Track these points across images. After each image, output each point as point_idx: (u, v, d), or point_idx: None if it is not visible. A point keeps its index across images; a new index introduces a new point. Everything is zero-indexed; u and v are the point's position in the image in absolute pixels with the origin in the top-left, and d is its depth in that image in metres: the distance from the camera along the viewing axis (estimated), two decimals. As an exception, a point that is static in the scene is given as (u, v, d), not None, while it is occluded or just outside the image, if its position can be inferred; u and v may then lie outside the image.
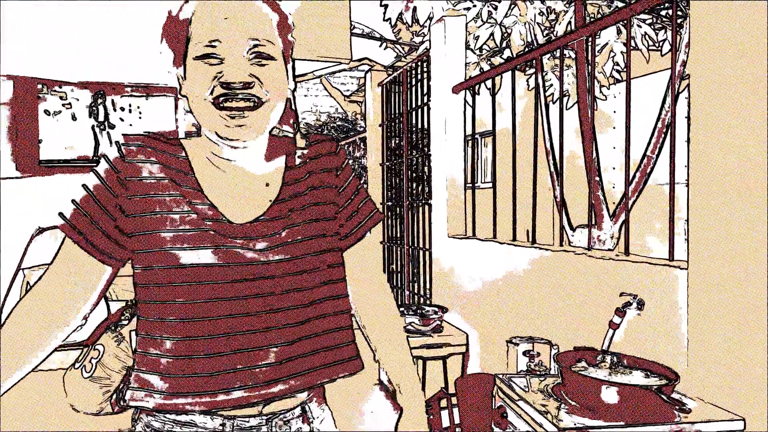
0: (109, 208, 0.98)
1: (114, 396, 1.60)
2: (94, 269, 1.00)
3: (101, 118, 5.24)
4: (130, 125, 5.31)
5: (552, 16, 4.06)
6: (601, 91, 4.99)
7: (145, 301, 1.00)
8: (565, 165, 4.29)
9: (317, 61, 5.86)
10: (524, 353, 2.45)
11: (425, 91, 4.35)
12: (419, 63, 4.45)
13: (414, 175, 4.69)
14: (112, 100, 5.34)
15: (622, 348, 1.89)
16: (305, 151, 1.10)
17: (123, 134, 1.02)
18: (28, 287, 4.70)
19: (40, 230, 4.95)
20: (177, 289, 0.95)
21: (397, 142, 5.03)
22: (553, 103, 5.11)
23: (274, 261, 0.98)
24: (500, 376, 1.77)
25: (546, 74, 5.07)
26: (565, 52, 4.18)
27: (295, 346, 0.99)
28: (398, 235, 5.04)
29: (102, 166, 1.00)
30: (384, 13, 4.49)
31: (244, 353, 0.96)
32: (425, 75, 4.34)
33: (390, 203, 5.22)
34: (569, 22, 3.95)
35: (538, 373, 2.08)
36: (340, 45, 5.66)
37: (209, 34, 0.96)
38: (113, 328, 3.01)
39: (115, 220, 0.99)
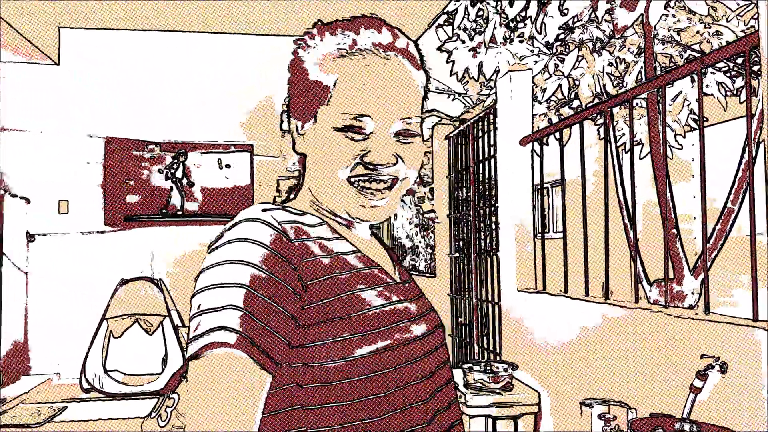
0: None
1: None
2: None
3: (179, 174, 5.55)
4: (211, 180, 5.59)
5: (622, 66, 4.01)
6: (676, 140, 4.84)
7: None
8: (641, 215, 4.15)
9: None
10: (599, 416, 2.34)
11: (492, 143, 4.36)
12: (486, 115, 4.48)
13: (481, 226, 4.65)
14: (187, 157, 5.65)
15: (704, 414, 1.77)
16: None
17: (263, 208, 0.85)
18: (110, 336, 4.95)
19: (124, 282, 5.23)
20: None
21: (464, 193, 5.03)
22: (626, 152, 4.98)
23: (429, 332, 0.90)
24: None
25: (617, 123, 4.98)
26: (636, 101, 4.10)
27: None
28: (466, 287, 4.97)
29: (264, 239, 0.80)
30: (451, 69, 4.58)
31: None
32: (492, 127, 4.36)
33: (457, 255, 5.18)
34: (639, 72, 3.89)
35: (614, 439, 1.97)
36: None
37: (359, 107, 0.85)
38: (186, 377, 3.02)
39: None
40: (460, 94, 9.02)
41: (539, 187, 3.83)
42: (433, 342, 0.90)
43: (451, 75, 4.75)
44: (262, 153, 5.83)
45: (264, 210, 0.83)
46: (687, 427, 1.55)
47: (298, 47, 0.93)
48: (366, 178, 0.86)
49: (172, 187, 5.53)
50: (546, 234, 3.74)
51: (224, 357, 0.70)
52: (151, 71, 5.33)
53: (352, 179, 0.86)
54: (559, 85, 4.23)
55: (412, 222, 8.24)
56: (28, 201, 5.33)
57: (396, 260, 1.03)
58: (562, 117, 4.73)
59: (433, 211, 5.84)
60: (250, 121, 5.60)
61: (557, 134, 3.77)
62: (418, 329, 0.87)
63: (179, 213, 5.54)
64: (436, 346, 0.90)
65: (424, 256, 7.65)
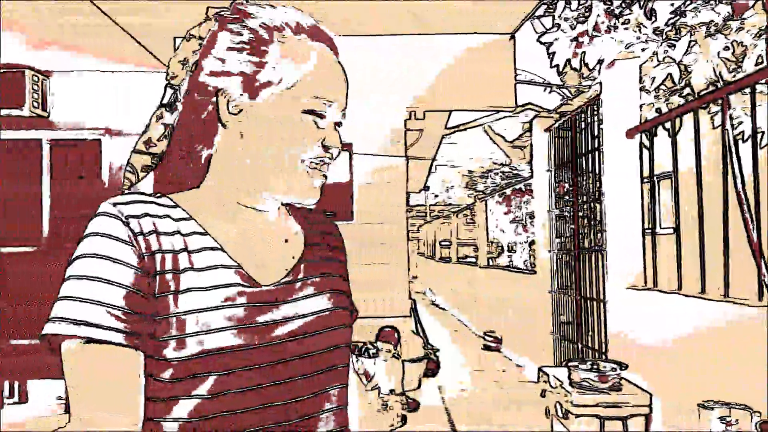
0: None
1: None
2: None
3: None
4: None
5: (739, 50, 3.75)
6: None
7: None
8: (766, 208, 3.87)
9: (481, 111, 5.97)
10: (720, 419, 2.22)
11: (596, 134, 4.22)
12: (588, 107, 4.34)
13: (585, 221, 4.52)
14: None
15: None
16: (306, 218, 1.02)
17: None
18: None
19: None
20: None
21: (566, 188, 4.90)
22: (743, 141, 4.66)
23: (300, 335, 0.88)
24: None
25: (733, 110, 4.67)
26: (757, 86, 3.83)
27: None
28: (568, 284, 4.85)
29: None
30: (551, 60, 4.47)
31: None
32: (596, 119, 4.22)
33: (558, 251, 5.06)
34: (759, 56, 3.62)
35: (739, 443, 1.87)
36: (505, 93, 5.72)
37: (330, 93, 0.88)
38: None
39: None
40: (558, 86, 8.79)
41: (648, 180, 3.67)
42: (303, 347, 0.88)
43: (551, 67, 4.64)
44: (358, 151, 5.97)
45: (114, 204, 0.83)
46: (826, 431, 1.44)
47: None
48: (321, 160, 0.88)
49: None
50: (656, 229, 3.57)
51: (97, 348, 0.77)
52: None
53: (310, 161, 0.88)
54: (669, 74, 4.02)
55: (508, 217, 8.11)
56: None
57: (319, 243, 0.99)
58: (672, 106, 4.49)
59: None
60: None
61: (667, 124, 3.59)
62: (273, 332, 0.85)
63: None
64: (310, 352, 0.88)
65: (521, 252, 7.52)
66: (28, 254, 5.26)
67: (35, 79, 5.14)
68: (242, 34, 0.87)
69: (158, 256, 0.82)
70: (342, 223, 5.73)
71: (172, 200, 0.89)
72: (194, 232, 0.86)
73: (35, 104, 5.15)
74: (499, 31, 5.51)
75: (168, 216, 0.86)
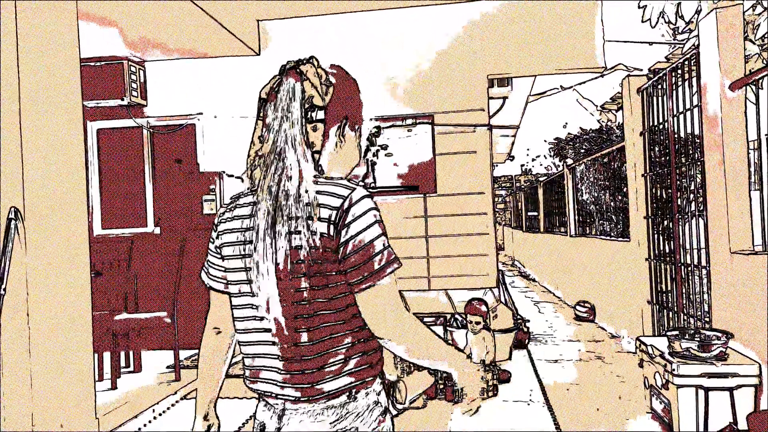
0: None
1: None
2: None
3: (373, 148, 5.84)
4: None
5: None
6: None
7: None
8: None
9: (566, 73, 5.74)
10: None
11: (695, 91, 3.95)
12: (684, 63, 4.06)
13: (684, 185, 4.27)
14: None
15: None
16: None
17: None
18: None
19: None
20: None
21: (661, 150, 4.64)
22: None
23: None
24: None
25: None
26: None
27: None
28: (665, 251, 4.61)
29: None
30: (642, 14, 4.21)
31: None
32: (694, 74, 3.94)
33: (655, 217, 4.81)
34: None
35: None
36: (590, 54, 5.45)
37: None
38: None
39: None
40: (651, 44, 8.27)
41: (757, 137, 3.40)
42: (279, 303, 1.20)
43: (643, 22, 4.37)
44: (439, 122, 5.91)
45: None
46: None
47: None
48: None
49: (368, 160, 5.87)
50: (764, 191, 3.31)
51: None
52: (343, 52, 5.66)
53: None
54: (778, 19, 3.68)
55: (599, 184, 7.79)
56: (242, 180, 6.01)
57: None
58: (782, 55, 4.12)
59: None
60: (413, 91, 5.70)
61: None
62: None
63: (369, 184, 5.87)
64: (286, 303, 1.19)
65: (613, 220, 7.21)
66: (137, 235, 5.65)
67: (133, 69, 5.45)
68: None
69: None
70: (424, 195, 5.73)
71: None
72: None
73: (134, 93, 5.47)
74: (585, -11, 5.26)
75: None
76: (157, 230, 5.73)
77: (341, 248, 1.16)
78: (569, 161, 10.52)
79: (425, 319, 4.64)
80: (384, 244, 1.18)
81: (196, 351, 5.36)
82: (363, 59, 5.61)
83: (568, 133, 11.11)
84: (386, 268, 1.17)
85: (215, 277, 1.39)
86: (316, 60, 1.28)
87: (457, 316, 4.80)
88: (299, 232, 1.15)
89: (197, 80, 5.82)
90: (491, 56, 5.57)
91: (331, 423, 1.19)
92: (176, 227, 5.59)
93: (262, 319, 1.22)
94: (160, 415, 3.73)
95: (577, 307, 6.66)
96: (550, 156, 12.87)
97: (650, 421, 3.38)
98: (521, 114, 10.20)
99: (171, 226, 5.65)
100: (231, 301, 1.32)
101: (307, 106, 1.22)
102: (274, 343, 1.21)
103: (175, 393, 4.20)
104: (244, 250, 1.24)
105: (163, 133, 5.85)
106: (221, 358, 1.44)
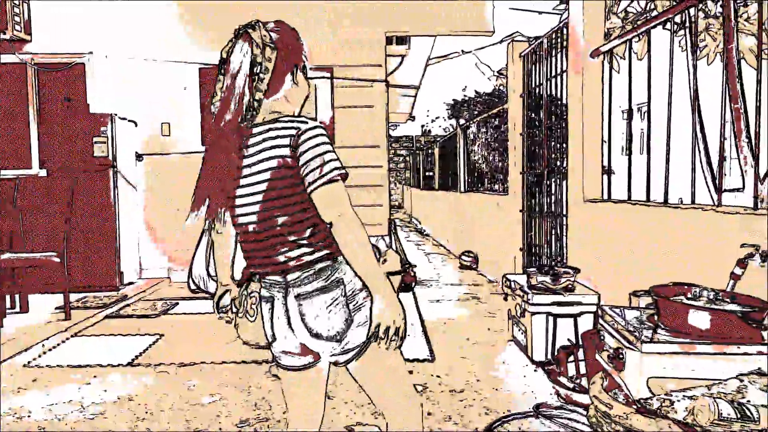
0: None
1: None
2: None
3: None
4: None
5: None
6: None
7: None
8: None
9: (459, 35, 6.06)
10: (646, 306, 2.54)
11: (564, 59, 4.39)
12: (559, 30, 4.49)
13: (553, 143, 4.75)
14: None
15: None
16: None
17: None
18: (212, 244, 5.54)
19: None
20: None
21: (536, 111, 5.10)
22: (708, 64, 4.85)
23: None
24: (605, 307, 1.93)
25: (701, 34, 4.84)
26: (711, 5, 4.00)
27: None
28: (537, 203, 5.14)
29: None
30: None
31: None
32: (566, 44, 4.37)
33: (529, 171, 5.32)
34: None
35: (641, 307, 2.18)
36: (481, 18, 5.81)
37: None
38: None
39: None
40: (540, 13, 8.82)
41: (628, 107, 3.87)
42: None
43: (525, -10, 4.74)
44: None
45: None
46: (706, 293, 1.73)
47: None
48: None
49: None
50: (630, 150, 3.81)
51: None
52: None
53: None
54: (635, -6, 4.16)
55: (488, 144, 8.33)
56: (135, 124, 5.92)
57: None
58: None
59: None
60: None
61: (637, 48, 3.76)
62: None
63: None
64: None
65: (498, 176, 7.80)
66: (22, 177, 5.45)
67: (16, 2, 5.16)
68: None
69: None
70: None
71: None
72: None
73: (17, 28, 5.19)
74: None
75: None
76: (43, 172, 5.55)
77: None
78: (462, 122, 11.05)
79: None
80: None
81: (87, 294, 5.34)
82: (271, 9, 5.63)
83: (464, 96, 11.62)
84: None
85: None
86: (261, 23, 1.58)
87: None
88: None
89: (87, 18, 5.61)
90: (389, 14, 5.79)
91: None
92: (66, 168, 5.44)
93: None
94: (49, 350, 3.76)
95: (462, 257, 7.19)
96: (448, 117, 13.38)
97: (511, 346, 3.86)
98: (421, 75, 10.55)
99: (59, 167, 5.49)
100: None
101: (255, 61, 1.53)
102: None
103: (66, 330, 4.22)
104: None
105: (49, 71, 5.61)
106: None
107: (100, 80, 5.77)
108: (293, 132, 1.50)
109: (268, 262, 1.57)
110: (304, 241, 1.53)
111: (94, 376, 3.35)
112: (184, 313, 4.81)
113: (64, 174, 5.33)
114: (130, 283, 5.90)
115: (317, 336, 1.54)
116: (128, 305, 5.07)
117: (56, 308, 4.72)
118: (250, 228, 1.57)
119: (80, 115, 5.53)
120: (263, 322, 1.63)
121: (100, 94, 5.78)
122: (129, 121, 5.84)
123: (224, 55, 1.56)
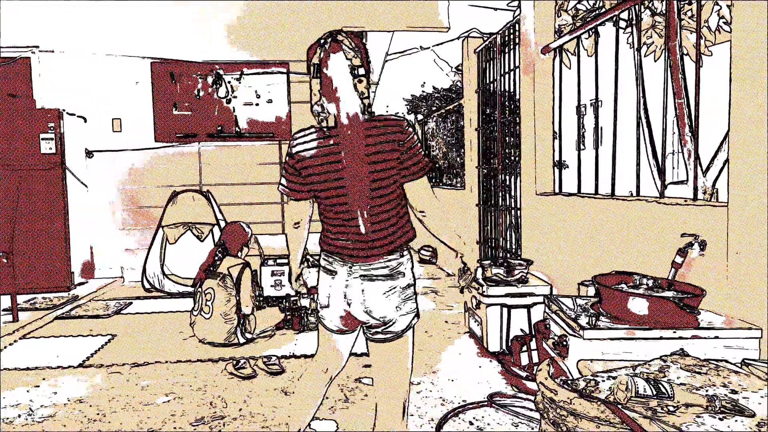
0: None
1: (238, 330, 2.96)
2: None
3: (222, 93, 5.85)
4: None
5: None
6: (707, 47, 4.83)
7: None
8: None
9: (415, 31, 6.09)
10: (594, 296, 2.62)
11: (517, 56, 4.47)
12: (512, 27, 4.56)
13: (507, 139, 4.83)
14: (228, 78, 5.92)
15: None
16: None
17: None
18: (166, 242, 5.45)
19: (175, 194, 5.68)
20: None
21: (490, 106, 5.18)
22: (655, 61, 5.01)
23: None
24: (550, 296, 1.98)
25: (646, 31, 4.99)
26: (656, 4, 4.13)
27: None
28: (492, 197, 5.22)
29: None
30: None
31: None
32: (518, 41, 4.45)
33: (484, 167, 5.39)
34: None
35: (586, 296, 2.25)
36: (435, 15, 5.85)
37: None
38: (212, 269, 3.86)
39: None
40: (495, 9, 8.92)
41: (577, 102, 3.97)
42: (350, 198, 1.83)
43: (478, -13, 4.79)
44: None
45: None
46: (646, 281, 1.80)
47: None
48: None
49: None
50: (582, 144, 3.91)
51: None
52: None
53: None
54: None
55: (446, 138, 8.41)
56: (85, 120, 5.75)
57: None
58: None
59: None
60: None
61: (586, 45, 3.86)
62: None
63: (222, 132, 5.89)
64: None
65: (457, 171, 7.88)
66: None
67: (-46, -8, 4.95)
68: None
69: None
70: (279, 142, 5.88)
71: None
72: None
73: (-43, 20, 4.99)
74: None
75: None
76: (-13, 170, 5.35)
77: None
78: (420, 117, 11.13)
79: (279, 260, 4.83)
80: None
81: (36, 295, 5.18)
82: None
83: (423, 91, 11.69)
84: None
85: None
86: (344, 32, 1.81)
87: (308, 256, 5.08)
88: None
89: (32, 12, 5.42)
90: (345, 9, 5.78)
91: None
92: (10, 166, 5.25)
93: None
94: (-4, 354, 3.64)
95: (422, 251, 7.25)
96: (407, 113, 13.44)
97: (468, 339, 3.92)
98: (380, 70, 10.57)
99: (4, 165, 5.30)
100: None
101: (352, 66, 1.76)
102: None
103: (13, 333, 4.09)
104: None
105: (-8, 65, 5.41)
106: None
107: (47, 75, 5.59)
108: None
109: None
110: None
111: (44, 379, 3.26)
112: (138, 313, 4.72)
113: (10, 172, 5.15)
114: (82, 284, 5.75)
115: (368, 313, 1.81)
116: (79, 306, 4.94)
117: (3, 310, 4.56)
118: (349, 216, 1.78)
119: (26, 111, 5.35)
120: (318, 291, 1.87)
121: (47, 89, 5.60)
122: (78, 116, 5.67)
123: (317, 61, 1.79)
